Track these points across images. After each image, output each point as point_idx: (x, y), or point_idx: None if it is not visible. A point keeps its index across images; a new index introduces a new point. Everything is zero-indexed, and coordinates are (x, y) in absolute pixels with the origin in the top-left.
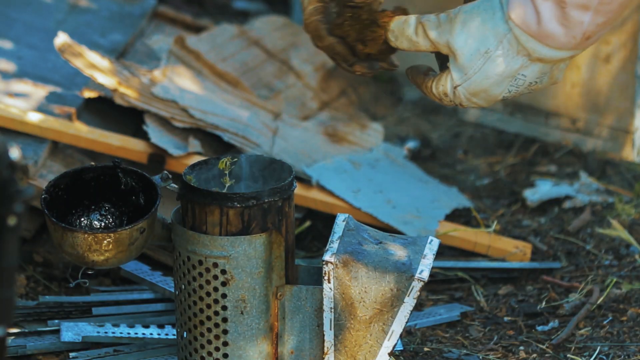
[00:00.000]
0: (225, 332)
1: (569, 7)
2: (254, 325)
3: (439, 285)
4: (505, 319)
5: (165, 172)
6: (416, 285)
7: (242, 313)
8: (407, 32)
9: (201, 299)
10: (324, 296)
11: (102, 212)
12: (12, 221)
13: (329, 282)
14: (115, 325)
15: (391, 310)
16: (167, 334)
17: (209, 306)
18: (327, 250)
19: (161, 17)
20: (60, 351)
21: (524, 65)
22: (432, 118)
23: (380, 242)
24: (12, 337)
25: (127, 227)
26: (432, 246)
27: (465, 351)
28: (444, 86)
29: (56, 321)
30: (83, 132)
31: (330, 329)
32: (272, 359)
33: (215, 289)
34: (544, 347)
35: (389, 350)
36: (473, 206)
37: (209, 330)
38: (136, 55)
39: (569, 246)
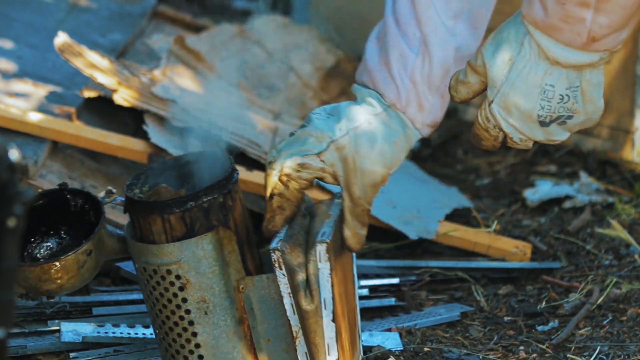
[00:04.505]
0: (194, 334)
1: (568, 4)
2: (221, 323)
3: (439, 285)
4: (505, 318)
5: (109, 188)
6: (321, 249)
7: (206, 313)
8: (460, 78)
9: (165, 306)
10: (279, 283)
11: (61, 235)
12: (12, 223)
13: (280, 268)
14: (116, 325)
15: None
16: None
17: (173, 312)
18: (275, 237)
19: (161, 17)
20: (60, 351)
21: (547, 72)
22: None
23: (309, 217)
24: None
25: (70, 253)
26: (339, 202)
27: (465, 351)
28: (484, 110)
29: (56, 321)
30: (83, 131)
31: (294, 314)
32: (248, 351)
33: (175, 295)
34: (544, 347)
35: (330, 318)
36: (473, 206)
37: (180, 335)
38: (136, 54)
39: (569, 246)
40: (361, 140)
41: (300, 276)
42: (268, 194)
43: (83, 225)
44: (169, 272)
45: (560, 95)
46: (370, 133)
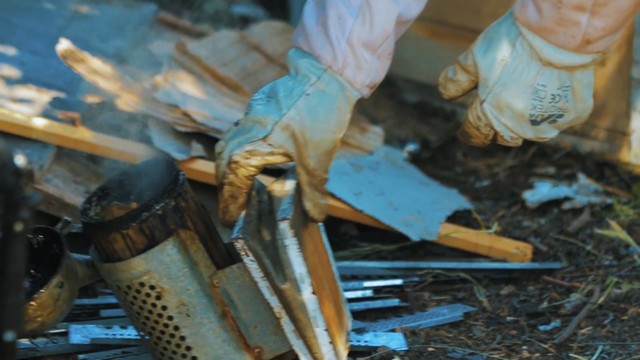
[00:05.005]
0: (182, 338)
1: (564, 8)
2: (206, 321)
3: (442, 286)
4: (508, 318)
5: (65, 218)
6: (284, 226)
7: (188, 315)
8: (449, 76)
9: (147, 318)
10: (250, 270)
11: (32, 274)
12: (19, 227)
13: (248, 255)
14: (123, 327)
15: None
16: None
17: (156, 322)
18: (234, 227)
19: (162, 23)
20: (69, 353)
21: (539, 73)
22: (431, 121)
23: (267, 196)
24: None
25: (42, 290)
26: (293, 176)
27: (469, 351)
28: (475, 109)
29: (65, 323)
30: (87, 136)
31: (273, 295)
32: (239, 342)
33: (154, 305)
34: (546, 346)
35: (310, 291)
36: (473, 208)
37: (169, 342)
38: (138, 60)
39: (569, 247)
40: (304, 114)
41: (268, 258)
42: (218, 183)
43: (50, 260)
44: (142, 284)
45: (552, 95)
46: (310, 104)
